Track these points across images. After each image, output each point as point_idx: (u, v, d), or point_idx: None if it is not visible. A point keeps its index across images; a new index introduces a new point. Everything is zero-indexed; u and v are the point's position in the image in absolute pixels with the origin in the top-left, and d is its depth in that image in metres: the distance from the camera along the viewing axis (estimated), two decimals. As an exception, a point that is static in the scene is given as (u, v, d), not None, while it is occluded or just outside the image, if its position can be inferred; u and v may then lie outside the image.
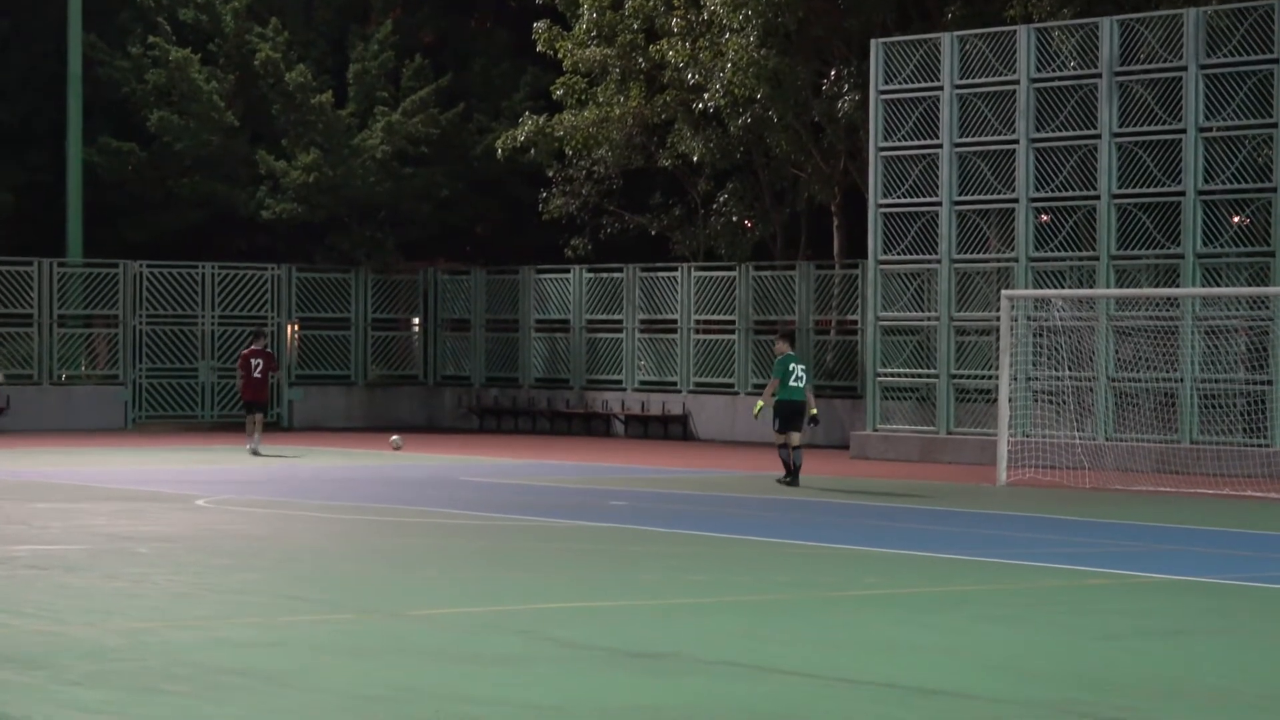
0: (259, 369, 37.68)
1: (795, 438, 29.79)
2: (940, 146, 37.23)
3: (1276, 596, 17.58)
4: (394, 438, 38.33)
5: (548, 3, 47.86)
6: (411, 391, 51.30)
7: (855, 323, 42.52)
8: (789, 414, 29.65)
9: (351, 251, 51.22)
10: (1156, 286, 34.61)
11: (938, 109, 37.30)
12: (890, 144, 38.00)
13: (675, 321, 46.26)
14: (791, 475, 29.66)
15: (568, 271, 48.83)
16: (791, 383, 29.59)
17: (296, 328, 50.16)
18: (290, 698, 11.79)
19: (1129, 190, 34.87)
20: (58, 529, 22.16)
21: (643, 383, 46.93)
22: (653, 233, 49.02)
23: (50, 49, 50.54)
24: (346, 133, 49.95)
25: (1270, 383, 33.09)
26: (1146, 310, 34.62)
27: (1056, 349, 34.56)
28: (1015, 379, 33.35)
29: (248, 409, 38.01)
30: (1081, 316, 34.84)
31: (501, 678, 12.53)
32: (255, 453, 36.63)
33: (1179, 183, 34.25)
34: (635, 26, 45.50)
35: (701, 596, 16.74)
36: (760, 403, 30.13)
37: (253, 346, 38.20)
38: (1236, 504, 28.09)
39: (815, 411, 30.38)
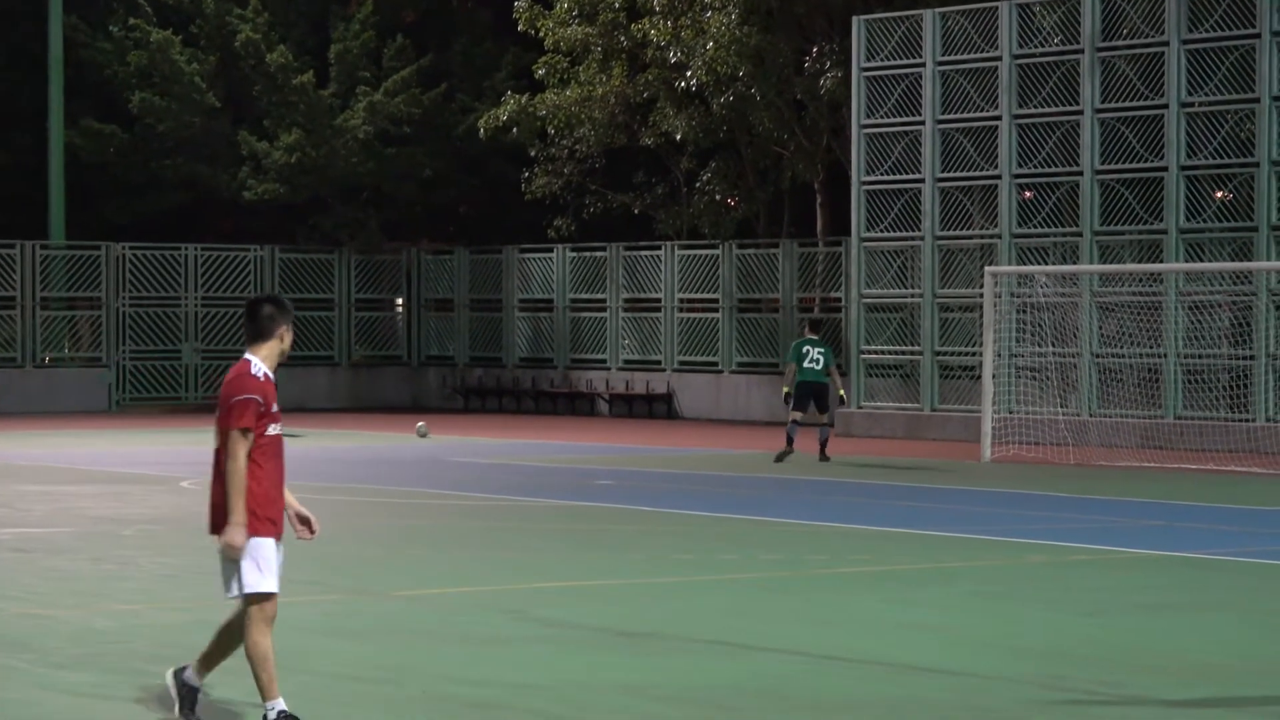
0: None
1: (818, 415, 30.83)
2: (923, 123, 37.23)
3: (1260, 571, 17.63)
4: (420, 424, 37.24)
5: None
6: (395, 372, 51.28)
7: (839, 300, 42.54)
8: (801, 394, 30.53)
9: (334, 232, 51.18)
10: (1140, 262, 34.64)
11: (920, 86, 37.30)
12: (873, 121, 38.00)
13: (659, 300, 46.26)
14: (786, 452, 30.20)
15: (551, 251, 48.80)
16: (806, 364, 30.43)
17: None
18: (278, 679, 11.79)
19: (1112, 166, 34.89)
20: (42, 512, 22.14)
21: (627, 362, 46.94)
22: (636, 211, 49.00)
23: (31, 30, 50.40)
24: (328, 113, 49.88)
25: (1253, 358, 33.14)
26: (1130, 286, 34.66)
27: (1040, 325, 34.59)
28: (999, 355, 33.38)
29: None
30: (1065, 292, 34.88)
31: (490, 657, 12.55)
32: None
33: (1162, 158, 34.28)
34: (616, 5, 45.43)
35: (688, 575, 16.77)
36: (786, 387, 30.96)
37: None
38: (1220, 479, 28.15)
39: (842, 392, 31.91)
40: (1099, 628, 13.95)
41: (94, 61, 50.65)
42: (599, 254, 47.62)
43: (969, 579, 16.77)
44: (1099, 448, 32.38)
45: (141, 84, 50.12)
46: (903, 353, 37.81)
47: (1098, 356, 34.69)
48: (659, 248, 46.54)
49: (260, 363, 9.96)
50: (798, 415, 30.42)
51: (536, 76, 47.11)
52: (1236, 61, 33.56)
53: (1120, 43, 34.91)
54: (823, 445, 30.56)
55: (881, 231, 37.99)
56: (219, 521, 9.92)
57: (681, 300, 45.83)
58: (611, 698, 11.34)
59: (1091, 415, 34.19)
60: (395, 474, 28.03)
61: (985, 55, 36.42)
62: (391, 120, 50.06)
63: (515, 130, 46.69)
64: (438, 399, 50.32)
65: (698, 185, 46.69)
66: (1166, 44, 34.18)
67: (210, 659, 10.35)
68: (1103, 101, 34.96)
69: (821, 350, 30.57)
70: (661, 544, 19.11)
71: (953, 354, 37.17)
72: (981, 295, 33.90)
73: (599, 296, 47.52)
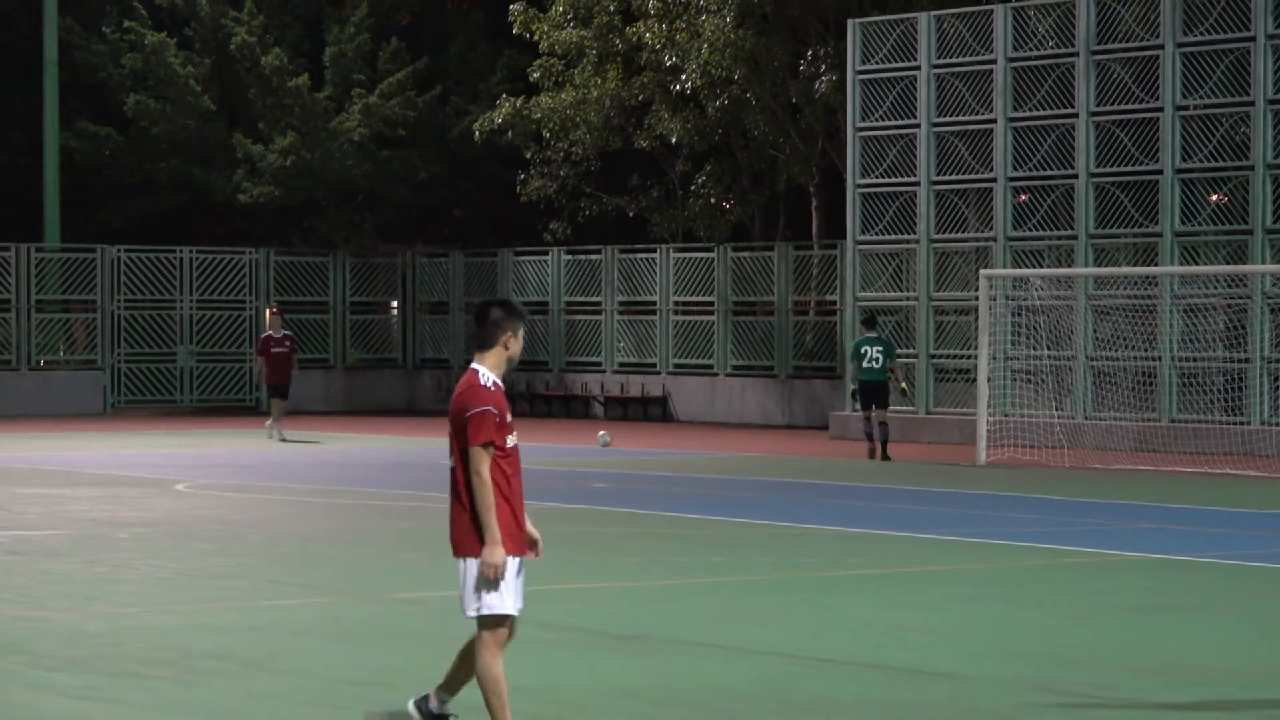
0: (279, 352, 36.77)
1: (877, 414, 31.64)
2: (918, 126, 37.24)
3: (1254, 574, 17.63)
4: (602, 433, 35.21)
5: (523, -15, 47.80)
6: (390, 374, 51.25)
7: (834, 303, 42.53)
8: (867, 392, 31.73)
9: (329, 235, 51.15)
10: (1135, 265, 34.65)
11: (915, 89, 37.31)
12: (868, 124, 38.01)
13: (654, 303, 46.25)
14: (876, 451, 31.45)
15: (546, 254, 48.79)
16: (866, 364, 31.61)
17: (275, 311, 50.02)
18: (271, 682, 11.80)
19: (1107, 169, 34.90)
20: (37, 514, 22.13)
21: (622, 364, 46.93)
22: (631, 214, 48.99)
23: (26, 32, 50.38)
24: (323, 116, 49.86)
25: (1248, 361, 33.15)
26: (1125, 289, 34.67)
27: (1035, 328, 34.60)
28: (994, 358, 33.39)
29: (270, 393, 37.23)
30: (1060, 295, 34.88)
31: (483, 660, 12.53)
32: (277, 438, 35.79)
33: (1156, 161, 34.29)
34: (611, 8, 45.44)
35: (682, 578, 16.76)
36: (852, 385, 31.60)
37: (269, 332, 37.54)
38: (1215, 482, 28.16)
39: (905, 385, 33.04)
40: (1093, 631, 13.95)
41: (89, 64, 50.62)
42: (594, 257, 47.62)
43: (963, 582, 16.77)
44: (1094, 450, 32.38)
45: (136, 86, 50.11)
46: (898, 355, 37.78)
47: (1093, 359, 34.70)
48: (654, 250, 46.54)
49: (488, 372, 9.44)
50: (869, 414, 31.69)
51: (531, 79, 47.10)
52: (1231, 64, 33.58)
53: (1115, 46, 34.91)
54: (883, 445, 31.58)
55: (876, 234, 37.99)
56: (464, 543, 9.39)
57: (676, 303, 45.83)
58: (605, 700, 11.34)
59: (1086, 418, 34.19)
60: (389, 477, 28.01)
61: (980, 58, 36.43)
62: (386, 123, 50.04)
63: (510, 133, 46.68)
64: (432, 402, 50.30)
65: (693, 188, 46.69)
66: (1161, 47, 34.20)
67: (454, 682, 9.87)
68: (1098, 104, 34.97)
69: (881, 348, 31.82)
70: (656, 546, 19.10)
71: (948, 357, 37.17)
72: (976, 298, 33.90)
73: (594, 299, 47.52)
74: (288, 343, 37.49)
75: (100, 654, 12.69)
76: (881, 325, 34.73)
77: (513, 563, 9.35)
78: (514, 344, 9.51)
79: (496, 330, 9.42)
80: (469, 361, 9.66)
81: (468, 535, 9.34)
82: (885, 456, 31.50)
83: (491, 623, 9.38)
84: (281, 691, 11.55)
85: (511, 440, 9.40)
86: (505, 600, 9.34)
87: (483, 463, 9.22)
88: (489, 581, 9.28)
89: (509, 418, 9.41)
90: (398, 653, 12.81)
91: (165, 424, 43.38)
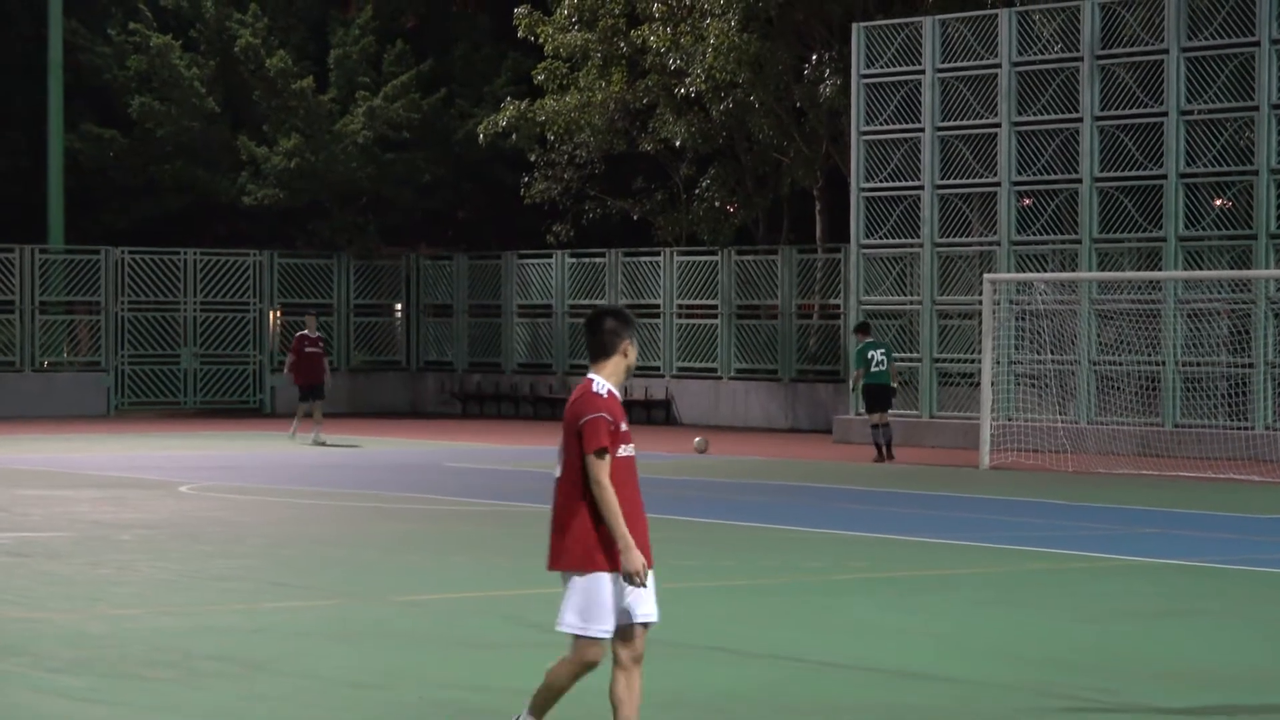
0: (313, 352, 36.37)
1: (880, 417, 32.39)
2: (922, 130, 37.22)
3: (1258, 578, 17.62)
4: (697, 440, 34.54)
5: (528, -13, 47.82)
6: (394, 377, 51.24)
7: (838, 307, 42.52)
8: (874, 395, 32.48)
9: (333, 237, 51.15)
10: (1138, 270, 34.62)
11: (919, 93, 37.29)
12: (872, 128, 37.99)
13: (658, 306, 46.24)
14: (882, 454, 32.05)
15: (550, 256, 48.79)
16: (874, 368, 32.35)
17: (278, 314, 50.08)
18: (274, 684, 11.79)
19: (1111, 173, 34.88)
20: (40, 516, 22.13)
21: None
22: (635, 218, 48.98)
23: (30, 34, 50.40)
24: (328, 118, 49.88)
25: (1252, 365, 33.12)
26: (1129, 294, 34.64)
27: (1039, 332, 34.57)
28: (998, 363, 33.37)
29: (302, 395, 36.68)
30: (1064, 300, 34.86)
31: (486, 663, 12.54)
32: (311, 441, 35.35)
33: (1161, 166, 34.26)
34: (616, 11, 45.44)
35: (686, 581, 16.75)
36: (853, 393, 31.97)
37: (304, 331, 37.14)
38: (1219, 487, 28.13)
39: (894, 385, 33.30)
40: (1096, 635, 13.94)
41: (93, 66, 50.65)
42: (598, 260, 47.61)
43: (967, 586, 16.75)
44: (1097, 455, 32.36)
45: (141, 88, 50.13)
46: (902, 359, 37.77)
47: (1096, 364, 34.67)
48: (658, 254, 46.53)
49: (603, 380, 9.22)
50: (875, 419, 32.36)
51: (536, 82, 47.11)
52: (1236, 69, 33.56)
53: (1120, 50, 34.89)
54: (889, 446, 32.25)
55: (880, 238, 37.97)
56: (567, 555, 9.07)
57: (680, 306, 45.82)
58: (607, 703, 11.32)
59: (1090, 423, 34.17)
60: (392, 479, 28.00)
61: (985, 62, 36.41)
62: (391, 125, 50.05)
63: (514, 136, 46.69)
64: (436, 404, 50.31)
65: (697, 191, 46.69)
66: (1166, 52, 34.18)
67: (546, 701, 9.56)
68: (1102, 109, 34.95)
69: (884, 352, 32.77)
70: (659, 549, 19.01)
71: (951, 361, 37.15)
72: (980, 302, 33.88)
73: (598, 302, 47.48)
74: (321, 344, 37.20)
75: (102, 656, 12.68)
76: (876, 330, 35.25)
77: (605, 579, 9.08)
78: (632, 352, 9.34)
79: (616, 339, 9.25)
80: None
81: (575, 547, 9.05)
82: (891, 457, 32.04)
83: (586, 643, 9.13)
84: (284, 693, 11.54)
85: (626, 450, 9.21)
86: (604, 622, 9.07)
87: (601, 470, 9.00)
88: (579, 599, 9.03)
89: (624, 426, 9.25)
90: (400, 655, 12.79)
91: (169, 426, 43.38)
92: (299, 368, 36.55)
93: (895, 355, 34.49)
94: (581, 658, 9.18)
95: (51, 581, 16.40)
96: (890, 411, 33.10)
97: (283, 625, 14.11)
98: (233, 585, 16.28)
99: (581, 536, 9.03)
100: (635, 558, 8.97)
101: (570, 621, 9.08)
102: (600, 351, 9.27)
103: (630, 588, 9.06)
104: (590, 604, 9.04)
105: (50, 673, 12.05)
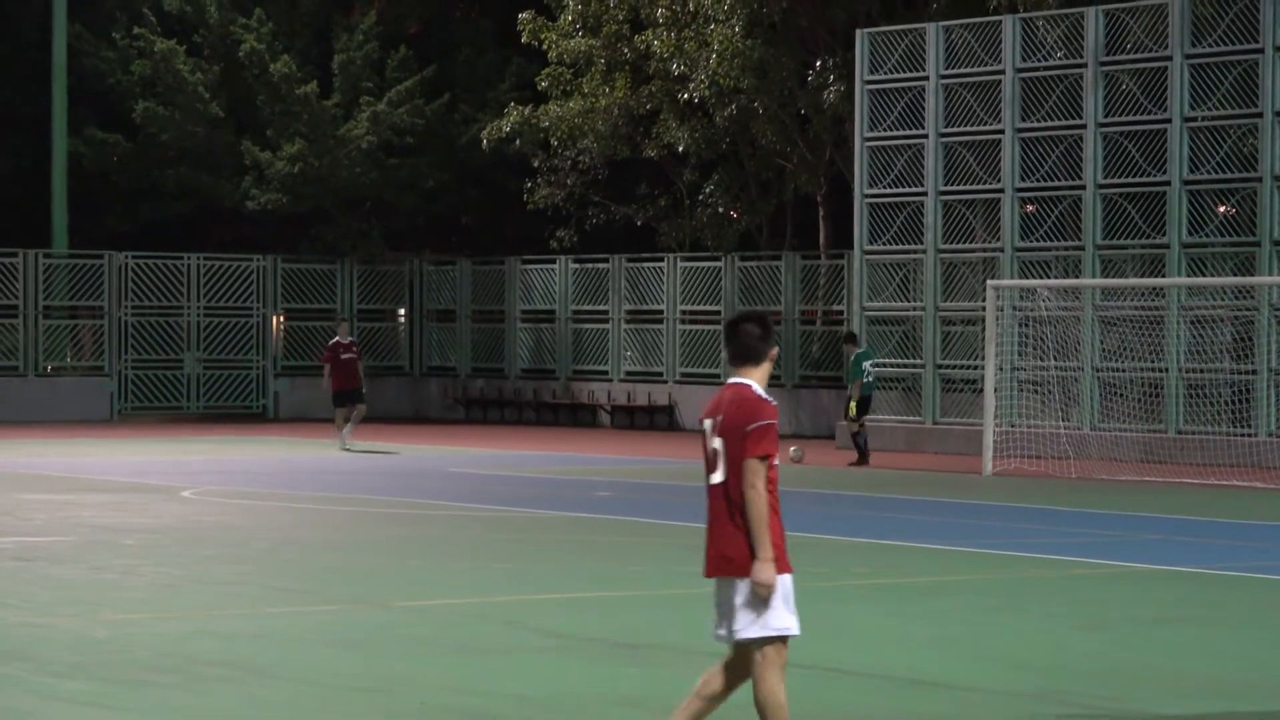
0: (349, 358, 36.08)
1: (860, 424, 33.02)
2: (926, 137, 37.22)
3: (1261, 585, 17.61)
4: (793, 449, 33.07)
5: (532, -7, 47.86)
6: (397, 382, 51.24)
7: (841, 313, 42.52)
8: (866, 403, 33.26)
9: (337, 242, 51.17)
10: (1142, 276, 34.62)
11: (923, 99, 37.30)
12: (876, 134, 37.99)
13: (661, 312, 46.25)
14: (865, 457, 32.69)
15: (553, 262, 48.79)
16: (869, 378, 33.06)
17: (282, 318, 50.10)
18: (276, 689, 11.79)
19: (1114, 180, 34.88)
20: (43, 520, 22.13)
21: (629, 373, 46.92)
22: (638, 223, 48.99)
23: (35, 38, 50.43)
24: (331, 123, 49.90)
25: (1255, 372, 33.11)
26: (1132, 300, 34.63)
27: (1042, 339, 34.56)
28: (1001, 369, 33.36)
29: (338, 400, 36.26)
30: (1067, 306, 34.85)
31: (488, 668, 12.54)
32: (340, 447, 35.23)
33: (1164, 172, 34.26)
34: (620, 17, 45.46)
35: (688, 587, 16.74)
36: (853, 403, 32.89)
37: (337, 339, 36.84)
38: (1222, 493, 28.12)
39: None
40: (1100, 642, 13.93)
41: (97, 70, 50.67)
42: (601, 265, 47.61)
43: (970, 592, 16.74)
44: (1100, 461, 32.34)
45: (145, 93, 50.15)
46: (904, 366, 37.78)
47: (1099, 370, 34.66)
48: (661, 259, 46.54)
49: (758, 386, 9.12)
50: (860, 425, 32.88)
51: (540, 88, 47.12)
52: (1239, 76, 33.56)
53: (1123, 57, 34.90)
54: (867, 447, 32.95)
55: (884, 244, 37.97)
56: (732, 560, 9.03)
57: (683, 312, 45.82)
58: (609, 709, 11.32)
59: (1093, 429, 34.15)
60: (395, 485, 28.00)
61: (988, 69, 36.41)
62: (394, 131, 50.08)
63: (518, 141, 46.71)
64: (439, 409, 50.31)
65: (700, 197, 46.69)
66: (1170, 58, 34.18)
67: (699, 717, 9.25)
68: (1105, 115, 34.95)
69: (872, 361, 33.55)
70: (661, 555, 19.09)
71: (954, 367, 37.15)
72: (983, 309, 33.88)
73: (601, 308, 47.52)
74: (356, 349, 36.93)
75: (105, 660, 12.68)
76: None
77: (790, 580, 9.06)
78: (773, 357, 9.27)
79: (764, 345, 9.15)
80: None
81: (745, 554, 8.99)
82: (868, 460, 32.90)
83: (780, 641, 9.04)
84: (286, 698, 11.54)
85: (775, 460, 9.15)
86: (794, 620, 9.03)
87: (760, 475, 8.92)
88: (767, 601, 8.97)
89: None
90: (402, 660, 12.79)
91: (172, 430, 43.39)
92: (336, 374, 36.20)
93: (895, 362, 34.73)
94: (782, 659, 9.09)
95: (54, 586, 16.41)
96: (894, 418, 33.52)
97: (285, 630, 14.11)
98: (235, 590, 16.28)
99: (746, 542, 9.00)
100: (770, 571, 8.93)
101: (779, 622, 8.98)
102: (750, 357, 9.16)
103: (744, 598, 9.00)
104: (788, 600, 9.01)
105: (53, 677, 12.05)
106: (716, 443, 9.03)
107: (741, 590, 8.98)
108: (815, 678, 12.36)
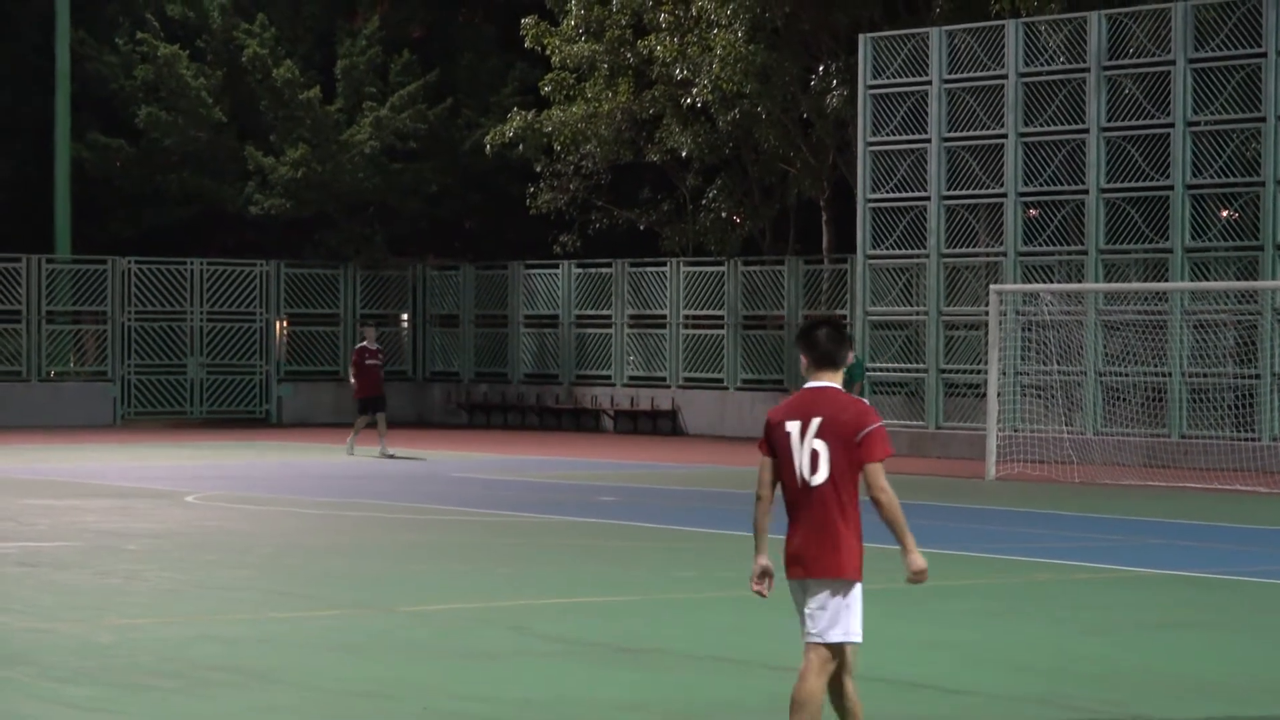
0: (373, 365, 35.61)
1: None
2: (929, 141, 37.23)
3: (1264, 590, 17.61)
4: None
5: (535, -2, 47.87)
6: (400, 387, 51.22)
7: (844, 317, 42.53)
8: None
9: (340, 247, 51.18)
10: (1145, 281, 34.63)
11: (926, 104, 37.31)
12: (879, 139, 38.00)
13: (664, 317, 46.26)
14: None
15: (556, 267, 48.81)
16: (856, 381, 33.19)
17: (285, 323, 50.12)
18: (280, 693, 11.80)
19: (1117, 185, 34.88)
20: (47, 526, 22.14)
21: (632, 378, 46.93)
22: (641, 228, 49.00)
23: (38, 43, 50.46)
24: (334, 128, 49.92)
25: (1258, 377, 33.11)
26: (1135, 305, 34.64)
27: (1045, 343, 34.57)
28: (1004, 374, 33.35)
29: (363, 407, 35.88)
30: (1070, 311, 34.85)
31: (491, 673, 12.54)
32: (388, 455, 34.84)
33: (1167, 177, 34.27)
34: (623, 22, 45.47)
35: (690, 592, 16.75)
36: None
37: (364, 343, 36.28)
38: (1225, 498, 28.12)
39: None
40: (1103, 646, 13.93)
41: (100, 75, 50.70)
42: (604, 270, 47.63)
43: (973, 597, 16.74)
44: (1103, 466, 32.35)
45: (148, 98, 50.17)
46: (908, 370, 37.79)
47: (1103, 375, 34.66)
48: (664, 264, 46.55)
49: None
50: None
51: (543, 93, 47.14)
52: (1242, 80, 33.57)
53: (1126, 61, 34.91)
54: None
55: (887, 249, 37.98)
56: (847, 564, 9.08)
57: (686, 317, 45.83)
58: (612, 714, 11.33)
59: (1096, 434, 34.15)
60: (398, 489, 28.01)
61: (991, 73, 36.42)
62: (398, 135, 50.09)
63: (521, 146, 46.72)
64: (442, 414, 50.32)
65: (703, 202, 46.70)
66: (1172, 63, 34.19)
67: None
68: (1108, 120, 34.96)
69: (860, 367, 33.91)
70: (664, 560, 19.09)
71: (958, 372, 37.15)
72: (987, 313, 33.88)
73: (604, 313, 47.52)
74: (381, 356, 36.52)
75: (109, 665, 12.69)
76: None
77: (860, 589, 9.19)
78: (848, 361, 9.42)
79: (842, 349, 9.28)
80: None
81: (852, 556, 9.10)
82: None
83: (851, 649, 9.20)
84: (290, 703, 11.55)
85: None
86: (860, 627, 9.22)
87: (883, 476, 9.10)
88: (850, 607, 9.10)
89: None
90: (406, 665, 12.80)
91: (175, 435, 43.40)
92: (360, 380, 35.80)
93: (898, 366, 34.66)
94: (836, 664, 9.22)
95: (58, 591, 16.41)
96: (897, 422, 33.42)
97: (288, 635, 14.11)
98: (239, 595, 16.29)
99: (858, 546, 9.14)
100: (922, 559, 9.17)
101: (857, 629, 9.15)
102: (831, 362, 9.26)
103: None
104: (860, 608, 9.16)
105: (57, 682, 12.06)
106: (818, 445, 9.11)
107: (836, 590, 9.12)
108: (818, 682, 12.36)
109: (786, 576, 9.22)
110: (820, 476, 9.09)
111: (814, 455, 9.10)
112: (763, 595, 9.31)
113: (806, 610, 9.13)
